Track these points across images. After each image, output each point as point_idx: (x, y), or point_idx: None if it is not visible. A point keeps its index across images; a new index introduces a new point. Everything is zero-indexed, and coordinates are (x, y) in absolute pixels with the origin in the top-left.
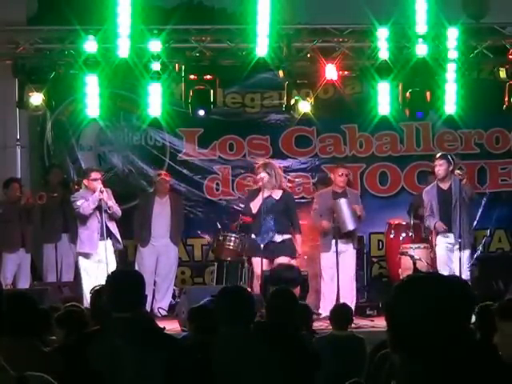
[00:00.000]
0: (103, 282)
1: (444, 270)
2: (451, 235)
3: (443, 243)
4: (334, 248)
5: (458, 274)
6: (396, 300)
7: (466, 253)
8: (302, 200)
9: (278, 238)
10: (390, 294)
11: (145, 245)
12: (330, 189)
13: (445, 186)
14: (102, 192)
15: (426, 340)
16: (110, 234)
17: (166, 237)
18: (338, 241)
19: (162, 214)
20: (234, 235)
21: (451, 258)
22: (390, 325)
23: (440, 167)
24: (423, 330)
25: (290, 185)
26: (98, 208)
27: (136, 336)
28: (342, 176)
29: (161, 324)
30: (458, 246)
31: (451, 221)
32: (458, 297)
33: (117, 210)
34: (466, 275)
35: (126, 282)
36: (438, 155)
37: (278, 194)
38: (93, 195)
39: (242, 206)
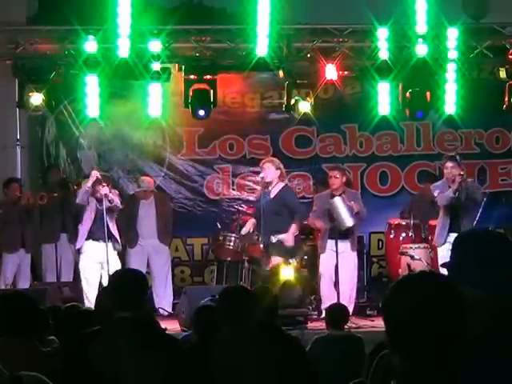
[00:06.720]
0: (105, 283)
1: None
2: (454, 235)
3: (447, 242)
4: (331, 248)
5: None
6: (391, 300)
7: None
8: (303, 200)
9: (273, 239)
10: (385, 294)
11: (133, 245)
12: (329, 191)
13: (453, 186)
14: (102, 186)
15: (423, 340)
16: (109, 236)
17: (154, 237)
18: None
19: (147, 215)
20: (233, 235)
21: None
22: (387, 325)
23: (451, 169)
24: (418, 330)
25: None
26: (99, 211)
27: (137, 336)
28: (335, 178)
29: (161, 324)
30: None
31: (459, 220)
32: (453, 296)
33: (117, 202)
34: None
35: (127, 282)
36: (445, 157)
37: (274, 192)
38: (85, 185)
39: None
